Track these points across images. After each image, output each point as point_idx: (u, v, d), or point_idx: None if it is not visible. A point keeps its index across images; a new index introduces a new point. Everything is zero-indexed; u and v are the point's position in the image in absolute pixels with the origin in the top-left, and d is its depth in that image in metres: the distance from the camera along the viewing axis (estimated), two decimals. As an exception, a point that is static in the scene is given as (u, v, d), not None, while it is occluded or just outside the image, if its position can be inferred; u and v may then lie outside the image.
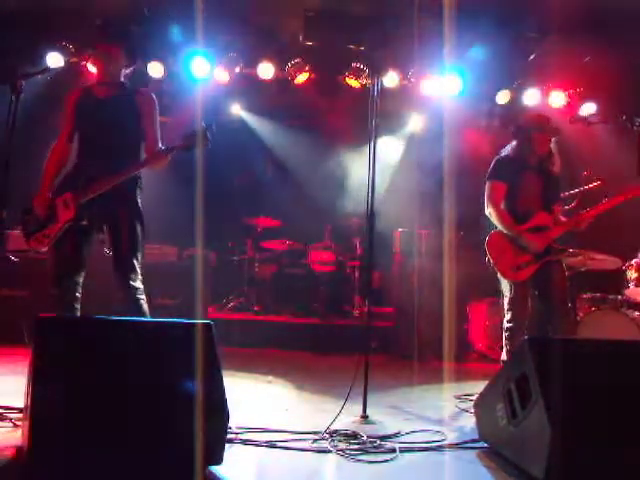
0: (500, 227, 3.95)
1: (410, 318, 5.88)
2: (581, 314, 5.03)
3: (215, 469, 2.32)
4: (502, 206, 3.98)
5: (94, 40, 3.75)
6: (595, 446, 2.26)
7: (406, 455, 2.67)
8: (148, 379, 2.31)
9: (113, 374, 2.26)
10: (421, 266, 6.07)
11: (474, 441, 2.89)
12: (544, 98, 6.91)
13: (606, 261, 5.31)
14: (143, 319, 3.21)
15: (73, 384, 2.17)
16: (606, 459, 2.26)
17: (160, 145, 3.50)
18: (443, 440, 2.92)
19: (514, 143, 4.08)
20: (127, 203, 3.45)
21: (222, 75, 6.73)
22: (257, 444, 2.70)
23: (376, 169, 3.58)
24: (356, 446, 2.73)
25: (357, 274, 7.27)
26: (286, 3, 6.26)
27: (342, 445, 2.74)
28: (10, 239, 4.95)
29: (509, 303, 3.90)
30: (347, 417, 3.16)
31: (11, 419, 2.76)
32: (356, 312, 6.97)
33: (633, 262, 5.24)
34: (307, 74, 6.80)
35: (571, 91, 6.86)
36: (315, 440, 2.78)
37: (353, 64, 6.72)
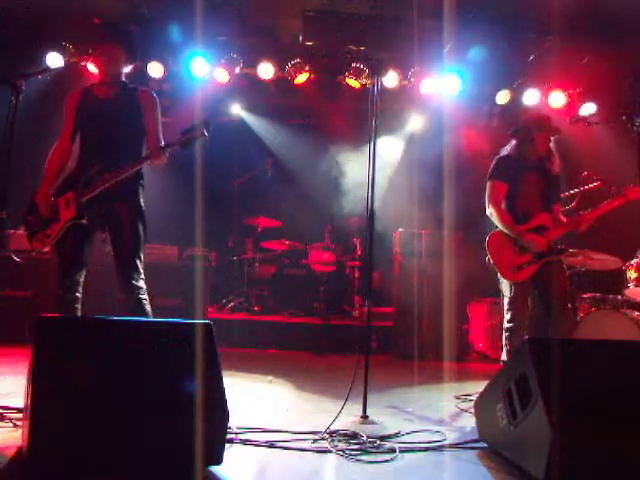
0: (501, 227, 3.95)
1: (410, 318, 5.88)
2: (581, 314, 5.03)
3: (215, 469, 2.32)
4: (503, 206, 3.99)
5: (94, 40, 3.75)
6: (595, 446, 2.26)
7: (406, 455, 2.67)
8: (148, 379, 2.31)
9: (113, 374, 2.26)
10: (421, 266, 6.07)
11: (474, 441, 2.89)
12: (544, 98, 6.91)
13: (606, 261, 5.30)
14: (143, 319, 3.21)
15: (73, 384, 2.17)
16: (606, 459, 2.26)
17: (162, 143, 3.50)
18: (443, 440, 2.92)
19: (514, 143, 4.08)
20: (129, 202, 3.46)
21: (222, 75, 6.73)
22: (257, 444, 2.70)
23: (376, 169, 3.58)
24: (356, 446, 2.73)
25: (357, 274, 7.27)
26: (286, 3, 6.26)
27: (342, 445, 2.74)
28: (12, 239, 4.95)
29: (509, 303, 3.90)
30: (347, 417, 3.16)
31: (11, 419, 2.76)
32: (356, 312, 6.97)
33: (633, 262, 5.23)
34: (307, 74, 6.80)
35: (571, 91, 6.85)
36: (315, 440, 2.78)
37: (353, 64, 6.72)
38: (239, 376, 4.47)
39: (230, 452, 2.53)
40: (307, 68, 6.77)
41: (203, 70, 6.57)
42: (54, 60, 6.24)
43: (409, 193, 7.04)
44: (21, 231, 3.58)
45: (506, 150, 4.12)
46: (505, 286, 3.95)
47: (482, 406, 2.92)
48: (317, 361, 5.68)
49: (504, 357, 3.89)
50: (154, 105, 3.59)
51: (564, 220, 4.05)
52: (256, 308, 7.11)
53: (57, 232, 3.38)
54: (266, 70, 6.70)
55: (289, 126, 8.05)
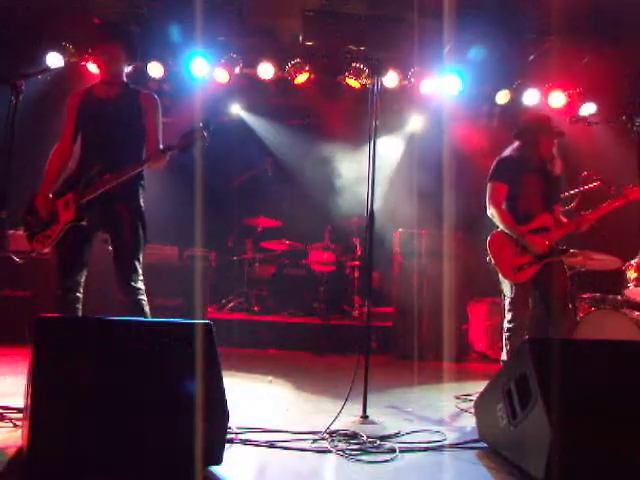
0: (502, 228, 3.95)
1: (410, 318, 5.88)
2: (581, 314, 5.03)
3: (215, 469, 2.32)
4: (504, 207, 3.99)
5: (94, 40, 3.75)
6: (595, 446, 2.26)
7: (406, 455, 2.67)
8: (148, 379, 2.31)
9: (113, 374, 2.26)
10: (421, 266, 6.07)
11: (474, 441, 2.89)
12: (544, 98, 6.91)
13: (606, 261, 5.30)
14: (143, 319, 3.21)
15: (73, 384, 2.17)
16: (606, 459, 2.26)
17: (161, 146, 3.49)
18: (443, 440, 2.92)
19: (517, 144, 4.08)
20: (129, 203, 3.45)
21: (222, 75, 6.72)
22: (257, 444, 2.70)
23: (376, 169, 3.58)
24: (356, 446, 2.73)
25: (357, 274, 7.27)
26: (286, 3, 6.26)
27: (342, 445, 2.74)
28: (12, 240, 4.95)
29: (510, 303, 3.90)
30: (347, 417, 3.16)
31: (11, 419, 2.76)
32: (356, 312, 6.97)
33: (633, 262, 5.23)
34: (307, 74, 6.80)
35: (571, 91, 6.85)
36: (315, 440, 2.78)
37: (353, 64, 6.72)
38: (239, 376, 4.47)
39: (230, 452, 2.53)
40: (307, 68, 6.77)
41: (203, 70, 6.57)
42: (54, 60, 6.23)
43: (409, 193, 7.04)
44: (21, 232, 3.58)
45: (508, 151, 4.12)
46: (506, 286, 3.95)
47: (482, 406, 2.92)
48: (317, 361, 5.68)
49: (504, 357, 3.90)
50: (155, 107, 3.58)
51: (565, 221, 4.05)
52: (256, 308, 7.11)
53: (57, 233, 3.38)
54: (266, 70, 6.70)
55: (289, 126, 8.06)
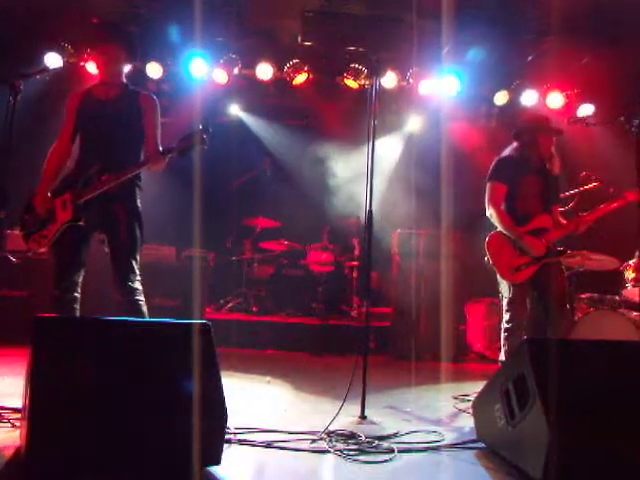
0: (500, 228, 3.96)
1: (408, 319, 5.89)
2: (579, 314, 5.04)
3: (213, 469, 2.32)
4: (502, 207, 3.99)
5: (94, 40, 3.76)
6: (592, 446, 2.26)
7: (404, 455, 2.67)
8: (146, 379, 2.31)
9: (111, 374, 2.26)
10: (419, 267, 6.07)
11: (472, 441, 2.89)
12: (542, 99, 6.92)
13: (604, 261, 5.32)
14: (141, 319, 3.21)
15: (72, 384, 2.17)
16: (604, 459, 2.26)
17: (159, 148, 3.49)
18: (441, 440, 2.92)
19: (515, 144, 4.09)
20: (126, 203, 3.45)
21: (221, 76, 6.72)
22: (255, 444, 2.70)
23: (375, 169, 3.58)
24: (354, 446, 2.73)
25: (355, 274, 7.27)
26: (285, 4, 6.26)
27: (340, 445, 2.74)
28: (9, 239, 4.94)
29: (508, 304, 3.90)
30: (345, 417, 3.16)
31: (10, 420, 2.76)
32: (354, 313, 6.97)
33: (631, 262, 5.26)
34: (306, 75, 6.80)
35: (569, 92, 6.87)
36: (313, 440, 2.79)
37: (352, 65, 6.73)
38: (237, 376, 4.47)
39: (228, 452, 2.53)
40: (306, 69, 6.77)
41: (202, 71, 6.57)
42: (53, 60, 6.23)
43: (407, 193, 7.04)
44: (17, 231, 3.58)
45: (507, 151, 4.12)
46: (504, 287, 3.96)
47: (480, 406, 2.93)
48: (315, 361, 5.68)
49: (502, 357, 3.90)
50: (154, 108, 3.58)
51: (564, 222, 4.05)
52: (254, 308, 7.11)
53: (53, 233, 3.37)
54: (265, 71, 6.71)
55: (288, 126, 8.06)
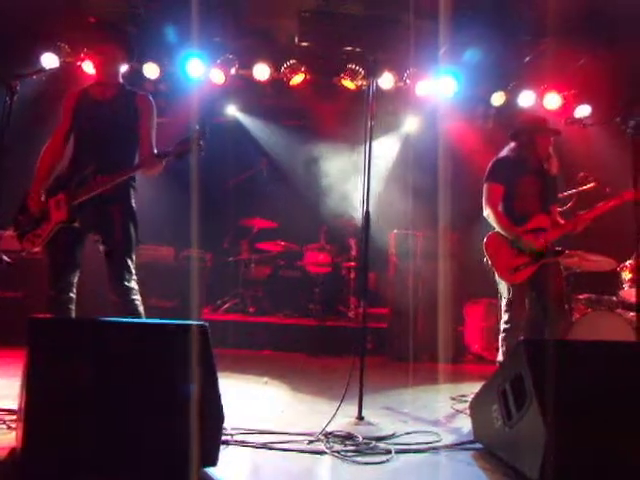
0: (498, 229, 3.95)
1: (405, 319, 5.88)
2: (577, 315, 5.05)
3: (210, 470, 2.31)
4: (500, 208, 3.99)
5: (91, 40, 3.74)
6: (589, 447, 2.26)
7: (401, 456, 2.67)
8: (143, 380, 2.30)
9: (107, 375, 2.25)
10: (416, 267, 6.07)
11: (470, 442, 2.90)
12: (539, 100, 6.92)
13: (601, 262, 5.32)
14: (137, 320, 3.20)
15: (67, 386, 2.16)
16: (601, 460, 2.26)
17: (154, 150, 3.47)
18: (438, 441, 2.92)
19: (513, 145, 4.09)
20: (120, 203, 3.43)
21: (218, 76, 6.72)
22: (252, 445, 2.69)
23: (371, 170, 3.58)
24: (351, 447, 2.73)
25: (352, 275, 7.27)
26: (282, 4, 6.26)
27: (337, 446, 2.74)
28: (2, 240, 4.93)
29: (507, 304, 3.90)
30: (342, 418, 3.16)
31: (5, 421, 2.75)
32: (351, 313, 6.97)
33: (628, 263, 5.26)
34: (302, 75, 6.80)
35: (566, 93, 6.88)
36: (310, 441, 2.78)
37: (349, 65, 6.73)
38: (234, 377, 4.46)
39: (225, 453, 2.52)
40: (303, 69, 6.77)
41: (199, 71, 6.56)
42: (49, 60, 6.21)
43: (404, 194, 7.04)
44: (11, 231, 3.55)
45: (505, 152, 4.13)
46: (503, 287, 3.95)
47: (477, 407, 2.93)
48: (312, 362, 5.68)
49: (500, 358, 3.90)
50: (151, 110, 3.56)
51: (561, 221, 4.06)
52: (251, 309, 7.10)
53: (47, 233, 3.35)
54: (262, 71, 6.70)
55: (284, 127, 8.05)
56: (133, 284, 3.39)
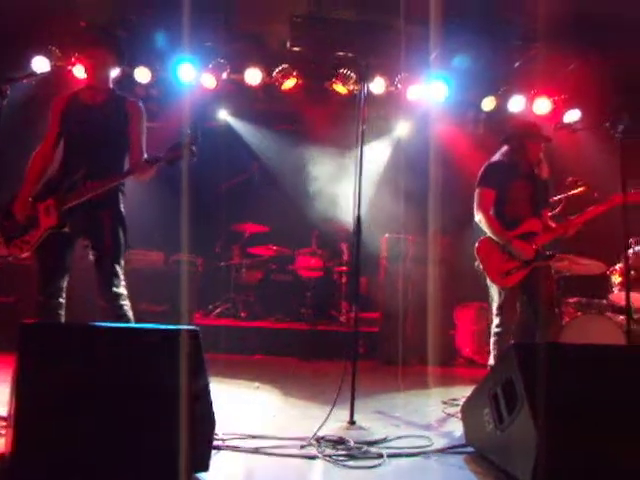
0: (489, 233, 3.97)
1: (396, 323, 5.88)
2: (567, 318, 5.07)
3: (202, 476, 2.31)
4: (491, 212, 4.01)
5: (82, 44, 3.73)
6: (581, 450, 2.27)
7: (393, 460, 2.67)
8: (133, 386, 2.29)
9: (98, 381, 2.24)
10: (406, 271, 6.08)
11: (461, 446, 2.90)
12: (529, 105, 6.97)
13: (591, 266, 5.36)
14: (128, 325, 3.19)
15: (57, 391, 2.15)
16: (592, 463, 2.27)
17: (144, 155, 3.46)
18: (430, 445, 2.93)
19: (505, 149, 4.11)
20: (109, 208, 3.41)
21: (209, 81, 6.72)
22: (244, 450, 2.69)
23: (363, 174, 3.58)
24: (343, 452, 2.73)
25: (344, 280, 7.27)
26: (273, 9, 6.27)
27: (329, 451, 2.73)
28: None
29: (498, 308, 3.91)
30: (334, 423, 3.15)
31: (-6, 427, 2.73)
32: (343, 318, 6.97)
33: (617, 267, 5.30)
34: (294, 80, 6.81)
35: (556, 98, 6.93)
36: (302, 446, 2.78)
37: (340, 70, 6.75)
38: (226, 382, 4.45)
39: (217, 458, 2.51)
40: (294, 74, 6.78)
41: (190, 75, 6.55)
42: (40, 64, 6.18)
43: (396, 198, 7.06)
44: None
45: (497, 156, 4.14)
46: (494, 291, 3.97)
47: (469, 411, 2.93)
48: (304, 367, 5.67)
49: (491, 361, 3.91)
50: (141, 115, 3.55)
51: (553, 225, 4.08)
52: (243, 314, 7.09)
53: (36, 239, 3.33)
54: (253, 76, 6.70)
55: (276, 131, 8.06)
56: (122, 289, 3.37)
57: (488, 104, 7.00)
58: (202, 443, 2.28)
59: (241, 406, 3.76)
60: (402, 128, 7.86)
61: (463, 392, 3.59)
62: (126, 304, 3.38)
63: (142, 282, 5.44)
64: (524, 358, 2.44)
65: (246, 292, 7.40)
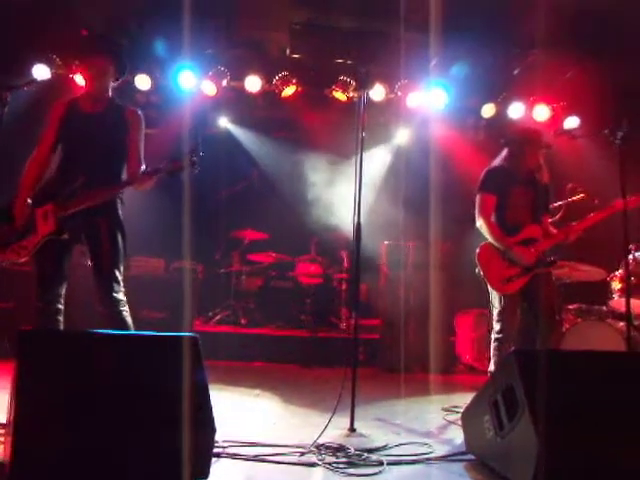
0: (490, 240, 3.97)
1: (396, 330, 5.87)
2: (567, 325, 5.06)
3: (201, 483, 2.30)
4: (492, 218, 4.01)
5: (83, 52, 3.73)
6: (581, 457, 2.26)
7: (394, 468, 2.66)
8: (133, 393, 2.28)
9: (97, 388, 2.24)
10: (407, 278, 6.08)
11: (462, 453, 2.89)
12: (528, 111, 6.99)
13: (591, 272, 5.36)
14: (128, 332, 3.18)
15: (56, 398, 2.15)
16: (592, 469, 2.26)
17: (142, 165, 3.47)
18: (431, 452, 2.92)
19: (505, 153, 4.11)
20: (108, 215, 3.41)
21: (209, 88, 6.74)
22: (244, 458, 2.68)
23: (363, 181, 3.59)
24: (343, 459, 2.72)
25: (344, 286, 7.26)
26: (273, 16, 6.30)
27: (329, 458, 2.72)
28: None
29: (499, 314, 3.91)
30: (334, 430, 3.15)
31: (-7, 435, 2.72)
32: (343, 325, 6.96)
33: (617, 273, 5.30)
34: (294, 87, 6.83)
35: (555, 105, 6.95)
36: (302, 453, 2.77)
37: (340, 77, 6.77)
38: (226, 389, 4.44)
39: (217, 465, 2.51)
40: (294, 81, 6.80)
41: (191, 83, 6.57)
42: (41, 71, 6.21)
43: (395, 205, 7.06)
44: None
45: (497, 161, 4.15)
46: (495, 298, 3.96)
47: (469, 418, 2.92)
48: (304, 374, 5.66)
49: (492, 368, 3.90)
50: (139, 124, 3.56)
51: (554, 231, 4.08)
52: (243, 321, 7.07)
53: (34, 245, 3.31)
54: (253, 83, 6.72)
55: (276, 139, 8.07)
56: (121, 295, 3.37)
57: (488, 111, 7.02)
58: (202, 450, 2.27)
59: (241, 413, 3.75)
60: (402, 135, 7.87)
61: (464, 399, 3.58)
62: (125, 310, 3.37)
63: (142, 289, 5.44)
64: (524, 365, 2.44)
65: (246, 299, 7.39)
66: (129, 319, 3.37)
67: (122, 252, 3.42)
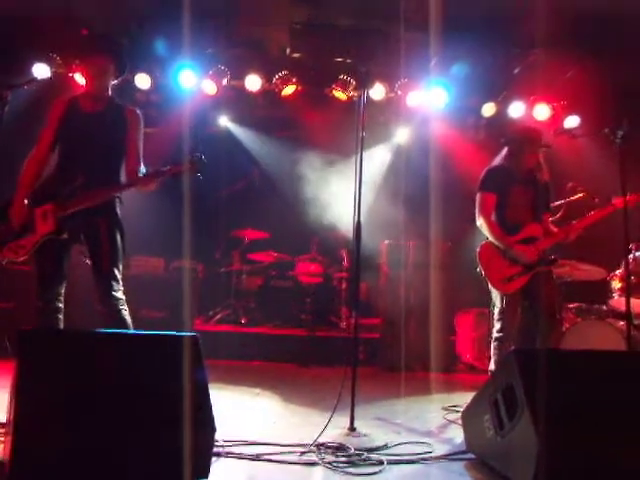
0: (491, 239, 3.97)
1: (397, 329, 5.88)
2: (567, 324, 5.06)
3: (202, 483, 2.30)
4: (493, 217, 4.01)
5: (83, 51, 3.72)
6: (581, 456, 2.26)
7: (394, 467, 2.66)
8: (133, 392, 2.28)
9: (97, 388, 2.24)
10: (408, 277, 6.08)
11: (462, 452, 2.89)
12: (529, 111, 6.99)
13: (591, 271, 5.36)
14: (128, 332, 3.18)
15: (56, 397, 2.15)
16: (592, 469, 2.26)
17: (141, 164, 3.47)
18: (431, 452, 2.92)
19: (505, 152, 4.11)
20: (107, 214, 3.41)
21: (210, 87, 6.74)
22: (244, 457, 2.68)
23: (363, 180, 3.59)
24: (344, 458, 2.72)
25: (344, 286, 7.26)
26: (273, 16, 6.30)
27: (330, 458, 2.72)
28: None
29: (499, 313, 3.91)
30: (334, 429, 3.14)
31: (-7, 434, 2.72)
32: (343, 324, 6.96)
33: (617, 272, 5.29)
34: (294, 86, 6.83)
35: (555, 104, 6.94)
36: (303, 453, 2.77)
37: (340, 76, 6.77)
38: (226, 388, 4.44)
39: (217, 465, 2.51)
40: (294, 80, 6.80)
41: (191, 82, 6.57)
42: (41, 70, 6.20)
43: (396, 204, 7.06)
44: None
45: (497, 160, 4.15)
46: (496, 296, 3.97)
47: (469, 417, 2.92)
48: (304, 373, 5.66)
49: (492, 367, 3.90)
50: (139, 124, 3.56)
51: (554, 230, 4.08)
52: (243, 320, 7.07)
53: (33, 244, 3.30)
54: (253, 82, 6.72)
55: (276, 138, 8.07)
56: (120, 294, 3.37)
57: (488, 110, 7.01)
58: (203, 449, 2.27)
59: (241, 412, 3.75)
60: (402, 134, 7.86)
61: (464, 398, 3.58)
62: (125, 309, 3.38)
63: (142, 288, 5.44)
64: (525, 364, 2.44)
65: (246, 298, 7.39)
66: (128, 318, 3.37)
67: (121, 251, 3.42)
